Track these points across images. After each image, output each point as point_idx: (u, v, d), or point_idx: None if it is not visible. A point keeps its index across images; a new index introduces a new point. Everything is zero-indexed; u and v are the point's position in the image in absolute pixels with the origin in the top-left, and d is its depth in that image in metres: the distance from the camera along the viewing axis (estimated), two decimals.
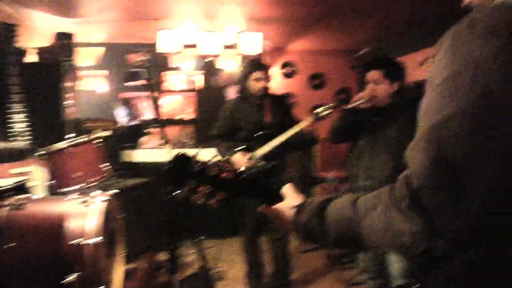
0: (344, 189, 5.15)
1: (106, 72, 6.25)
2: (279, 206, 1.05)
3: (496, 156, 0.65)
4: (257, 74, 3.36)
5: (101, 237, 2.50)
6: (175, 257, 2.18)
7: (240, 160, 3.27)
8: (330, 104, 3.12)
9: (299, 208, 0.97)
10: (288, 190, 1.07)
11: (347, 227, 0.83)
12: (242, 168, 2.96)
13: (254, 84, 3.37)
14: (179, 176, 1.03)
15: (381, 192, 0.80)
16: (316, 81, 7.66)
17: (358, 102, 2.66)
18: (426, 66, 5.83)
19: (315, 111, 3.05)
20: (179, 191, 1.06)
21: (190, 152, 1.07)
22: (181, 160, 1.04)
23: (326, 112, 3.05)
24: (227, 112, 3.52)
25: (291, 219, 0.99)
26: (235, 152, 3.32)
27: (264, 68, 3.42)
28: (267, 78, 3.41)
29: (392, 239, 0.75)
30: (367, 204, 0.81)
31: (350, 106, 2.71)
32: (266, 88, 3.42)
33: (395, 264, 2.62)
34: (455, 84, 0.67)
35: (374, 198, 0.80)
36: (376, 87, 2.65)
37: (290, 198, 1.04)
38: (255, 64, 3.45)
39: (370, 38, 6.69)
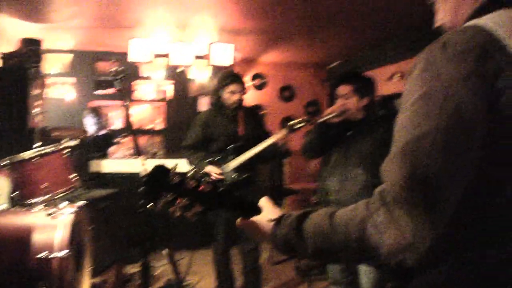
0: (314, 201, 5.20)
1: (73, 79, 6.12)
2: (257, 219, 1.05)
3: (466, 170, 0.70)
4: (233, 87, 3.37)
5: (68, 250, 2.43)
6: (146, 269, 2.13)
7: (212, 171, 3.25)
8: (304, 118, 3.16)
9: (277, 222, 0.97)
10: (265, 203, 1.08)
11: (325, 241, 0.84)
12: (217, 179, 2.94)
13: (229, 96, 3.38)
14: (157, 188, 1.01)
15: (358, 207, 0.81)
16: (286, 93, 7.73)
17: (329, 116, 2.70)
18: (395, 80, 5.99)
19: (288, 124, 3.08)
20: (155, 203, 1.04)
21: (168, 164, 1.06)
22: (159, 172, 1.02)
23: (299, 125, 3.09)
24: (200, 123, 3.49)
25: (269, 233, 0.99)
26: (207, 163, 3.30)
27: (240, 81, 3.43)
28: (242, 91, 3.42)
29: (368, 252, 0.76)
30: (344, 218, 0.82)
31: (320, 120, 2.75)
32: (241, 101, 3.43)
33: (365, 275, 2.66)
34: (429, 103, 0.72)
35: (350, 212, 0.82)
36: (346, 102, 2.70)
37: (267, 211, 1.05)
38: (231, 77, 3.45)
39: (340, 51, 6.83)
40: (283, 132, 3.15)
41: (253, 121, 3.56)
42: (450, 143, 0.69)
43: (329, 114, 2.71)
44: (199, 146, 3.45)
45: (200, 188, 1.03)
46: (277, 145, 3.26)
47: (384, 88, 6.42)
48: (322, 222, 0.86)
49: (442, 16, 0.98)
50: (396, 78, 5.95)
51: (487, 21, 0.76)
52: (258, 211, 1.08)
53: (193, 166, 3.33)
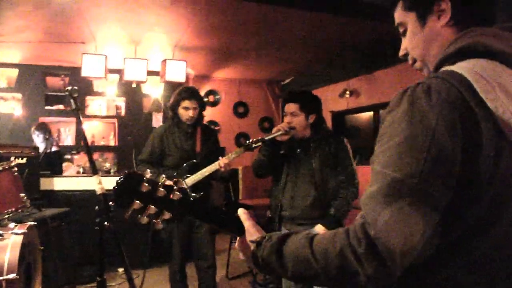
0: (267, 217, 5.26)
1: (19, 95, 5.90)
2: (245, 239, 1.07)
3: (439, 213, 0.77)
4: (186, 103, 3.36)
5: (17, 273, 2.35)
6: None
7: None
8: (260, 138, 3.17)
9: (258, 244, 1.00)
10: (244, 217, 1.09)
11: (304, 266, 0.88)
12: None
13: (183, 112, 3.38)
14: (127, 195, 1.02)
15: (337, 234, 0.85)
16: (241, 109, 7.82)
17: (276, 134, 2.77)
18: (346, 97, 6.22)
19: (245, 143, 3.06)
20: (125, 211, 1.04)
21: (140, 172, 1.06)
22: (131, 180, 1.03)
23: (256, 144, 3.10)
24: (156, 137, 3.48)
25: (250, 254, 1.02)
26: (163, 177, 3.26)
27: (194, 97, 3.40)
28: (196, 108, 3.39)
29: (347, 278, 0.82)
30: (324, 244, 0.86)
31: (268, 137, 2.81)
32: (195, 118, 3.41)
33: None
34: (414, 146, 0.78)
35: (330, 238, 0.86)
36: (293, 119, 2.79)
37: (249, 230, 1.07)
38: (185, 93, 3.41)
39: (293, 68, 7.02)
40: (239, 150, 3.17)
41: (210, 140, 3.58)
42: (431, 187, 0.76)
43: (276, 131, 2.78)
44: (154, 160, 3.45)
45: (171, 196, 1.05)
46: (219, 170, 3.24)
47: (335, 105, 6.66)
48: (302, 247, 0.89)
49: (410, 48, 1.04)
50: (346, 95, 6.18)
51: (464, 71, 0.83)
52: (228, 219, 1.11)
53: None
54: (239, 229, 1.10)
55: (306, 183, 2.76)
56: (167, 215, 1.05)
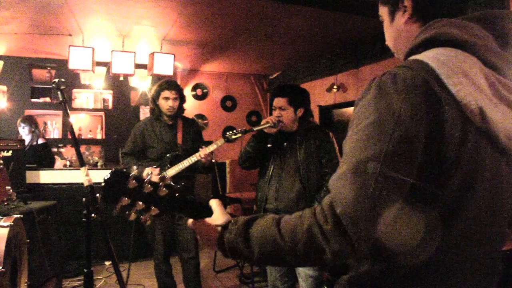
0: (253, 210, 5.30)
1: (4, 87, 5.83)
2: (206, 222, 1.09)
3: (403, 193, 0.82)
4: (166, 93, 3.42)
5: (3, 266, 2.34)
6: (90, 281, 2.11)
7: (152, 176, 3.25)
8: (240, 129, 3.22)
9: (224, 227, 1.03)
10: (215, 205, 1.12)
11: (271, 245, 0.91)
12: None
13: (163, 103, 3.44)
14: (115, 192, 1.03)
15: (304, 214, 0.89)
16: (228, 103, 7.83)
17: (264, 126, 2.80)
18: (334, 91, 6.25)
19: (225, 134, 3.10)
20: (113, 207, 1.05)
21: (127, 168, 1.07)
22: (118, 177, 1.04)
23: (235, 136, 3.16)
24: (138, 130, 3.55)
25: (216, 238, 1.04)
26: (143, 169, 3.33)
27: (173, 87, 3.45)
28: (176, 98, 3.45)
29: (314, 255, 0.86)
30: (291, 224, 0.90)
31: (257, 128, 2.85)
32: (175, 108, 3.47)
33: (304, 281, 2.78)
34: (380, 129, 0.82)
35: (297, 219, 0.90)
36: (282, 113, 2.83)
37: (215, 215, 1.09)
38: (164, 84, 3.47)
39: (281, 62, 7.03)
40: (219, 142, 3.25)
41: (192, 132, 3.62)
42: (395, 166, 0.80)
43: (265, 123, 2.82)
44: (137, 153, 3.52)
45: (158, 192, 1.07)
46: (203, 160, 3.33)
47: (323, 99, 6.70)
48: (269, 227, 0.93)
49: (387, 39, 1.12)
50: (334, 89, 6.22)
51: (429, 59, 0.88)
52: (211, 214, 1.12)
53: (130, 169, 3.32)
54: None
55: (291, 176, 2.79)
56: (155, 211, 1.06)
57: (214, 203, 1.12)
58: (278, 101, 2.84)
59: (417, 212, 0.82)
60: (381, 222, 0.80)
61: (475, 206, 0.87)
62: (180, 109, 3.54)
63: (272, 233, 0.91)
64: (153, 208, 1.06)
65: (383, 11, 1.09)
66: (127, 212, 1.04)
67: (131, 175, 1.04)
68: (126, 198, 1.03)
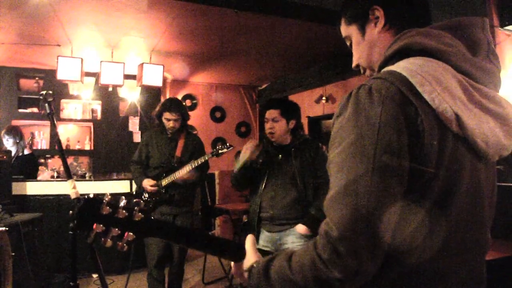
0: (245, 220, 5.29)
1: None
2: (237, 265, 1.10)
3: (397, 204, 0.81)
4: (167, 115, 3.59)
5: None
6: None
7: (147, 185, 3.55)
8: (227, 144, 3.49)
9: (249, 271, 1.04)
10: (247, 245, 1.11)
11: (288, 284, 0.90)
12: (146, 195, 3.17)
13: (165, 122, 3.63)
14: (89, 219, 1.03)
15: (308, 247, 0.88)
16: (218, 113, 7.83)
17: (245, 159, 2.79)
18: (323, 102, 6.30)
19: (213, 150, 3.43)
20: (87, 235, 1.05)
21: (97, 186, 1.07)
22: (91, 204, 1.03)
23: (222, 151, 3.42)
24: (143, 141, 3.83)
25: (246, 282, 1.05)
26: (144, 178, 3.60)
27: (173, 110, 3.57)
28: (177, 119, 3.60)
29: (325, 287, 0.84)
30: (298, 260, 0.89)
31: (237, 168, 2.85)
32: (176, 128, 3.63)
33: None
34: (361, 146, 0.82)
35: (303, 253, 0.89)
36: (274, 124, 2.86)
37: (247, 256, 1.09)
38: (165, 105, 3.64)
39: (270, 74, 7.07)
40: (206, 156, 3.46)
41: (192, 145, 3.74)
42: (385, 181, 0.80)
43: (243, 157, 2.81)
44: (142, 161, 3.76)
45: (133, 217, 1.06)
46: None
47: (312, 110, 6.74)
48: (283, 266, 0.92)
49: (358, 58, 1.11)
50: (323, 101, 6.27)
51: (401, 69, 0.88)
52: (191, 236, 1.13)
53: (134, 179, 3.81)
54: (205, 246, 1.13)
55: (287, 184, 2.80)
56: (131, 237, 1.06)
57: (248, 242, 1.12)
58: (271, 113, 2.87)
59: (417, 216, 0.83)
60: (385, 236, 0.80)
61: (455, 214, 0.88)
62: (183, 126, 3.73)
63: (285, 272, 0.90)
64: (128, 233, 1.06)
65: (351, 30, 1.09)
66: (102, 239, 1.04)
67: (104, 201, 1.03)
68: (101, 225, 1.03)
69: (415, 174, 0.83)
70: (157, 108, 3.70)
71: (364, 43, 1.07)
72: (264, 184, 2.87)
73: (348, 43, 1.14)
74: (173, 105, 3.62)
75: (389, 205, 0.80)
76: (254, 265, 1.03)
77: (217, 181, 6.59)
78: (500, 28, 3.39)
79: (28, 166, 4.90)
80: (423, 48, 0.91)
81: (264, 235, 2.85)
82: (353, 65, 1.14)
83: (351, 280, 0.81)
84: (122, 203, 1.06)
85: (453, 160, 0.86)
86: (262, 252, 1.10)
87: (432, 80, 0.84)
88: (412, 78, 0.85)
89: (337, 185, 0.84)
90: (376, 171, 0.80)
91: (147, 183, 3.55)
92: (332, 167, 0.87)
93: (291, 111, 2.90)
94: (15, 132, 4.94)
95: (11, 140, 4.86)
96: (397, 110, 0.82)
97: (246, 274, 1.06)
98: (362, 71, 1.12)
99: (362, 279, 0.82)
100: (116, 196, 1.06)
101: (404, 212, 0.84)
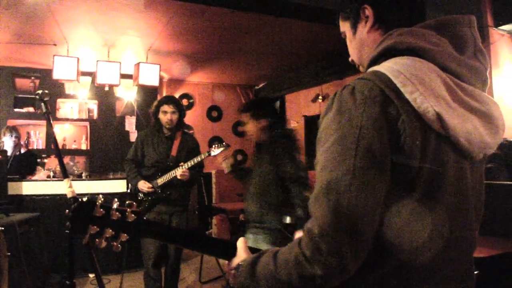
0: (242, 219, 5.29)
1: None
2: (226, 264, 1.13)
3: (379, 202, 0.83)
4: (164, 108, 3.63)
5: None
6: None
7: (142, 186, 3.58)
8: (222, 144, 3.55)
9: (237, 269, 1.05)
10: (239, 243, 1.13)
11: (273, 281, 0.92)
12: (141, 195, 3.24)
13: (163, 116, 3.65)
14: (83, 221, 1.05)
15: (293, 245, 0.90)
16: (214, 113, 7.83)
17: (225, 167, 3.12)
18: (319, 101, 6.31)
19: (207, 151, 3.51)
20: (82, 237, 1.06)
21: (93, 186, 1.09)
22: (85, 206, 1.06)
23: (218, 150, 3.47)
24: (139, 140, 3.82)
25: (234, 280, 1.07)
26: (140, 178, 3.62)
27: (171, 102, 3.66)
28: (174, 112, 3.64)
29: (309, 283, 0.85)
30: (283, 257, 0.90)
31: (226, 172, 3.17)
32: (173, 121, 3.65)
33: None
34: (343, 146, 0.84)
35: (288, 250, 0.90)
36: (246, 126, 3.05)
37: (237, 254, 1.11)
38: (164, 98, 3.76)
39: (266, 73, 7.07)
40: (202, 156, 3.52)
41: (188, 145, 3.76)
42: (365, 179, 0.81)
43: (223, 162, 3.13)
44: (136, 160, 3.76)
45: (125, 219, 1.08)
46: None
47: (308, 109, 6.76)
48: (268, 263, 0.94)
49: (351, 53, 1.14)
50: (319, 100, 6.28)
51: (385, 69, 0.89)
52: (181, 235, 1.14)
53: (128, 178, 3.82)
54: (197, 245, 1.15)
55: (254, 187, 2.88)
56: (124, 237, 1.07)
57: (239, 242, 1.14)
58: (242, 117, 3.08)
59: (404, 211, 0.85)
60: (367, 233, 0.82)
61: (441, 211, 0.89)
62: (180, 123, 3.75)
63: (271, 269, 0.92)
64: (122, 234, 1.07)
65: (345, 26, 1.11)
66: (97, 240, 1.05)
67: (97, 203, 1.05)
68: (95, 227, 1.04)
69: (400, 170, 0.84)
70: (153, 106, 3.74)
71: (355, 41, 1.09)
72: (250, 183, 2.94)
73: (344, 38, 1.15)
74: (171, 98, 3.77)
75: (371, 203, 0.82)
76: (241, 262, 1.05)
77: (214, 180, 6.60)
78: (494, 28, 3.41)
79: (27, 163, 4.91)
80: (408, 48, 0.92)
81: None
82: (350, 59, 1.16)
83: (333, 277, 0.83)
84: (115, 204, 1.08)
85: (436, 158, 0.87)
86: (254, 251, 1.10)
87: (414, 80, 0.85)
88: (395, 78, 0.86)
89: (320, 183, 0.86)
90: (357, 170, 0.82)
91: (143, 185, 3.57)
92: (317, 166, 0.89)
93: (260, 112, 3.00)
94: (14, 131, 4.95)
95: (9, 140, 4.86)
96: (379, 111, 0.84)
97: (233, 272, 1.07)
98: (357, 66, 1.14)
99: (345, 276, 0.83)
100: (109, 198, 1.08)
101: (390, 209, 0.86)
